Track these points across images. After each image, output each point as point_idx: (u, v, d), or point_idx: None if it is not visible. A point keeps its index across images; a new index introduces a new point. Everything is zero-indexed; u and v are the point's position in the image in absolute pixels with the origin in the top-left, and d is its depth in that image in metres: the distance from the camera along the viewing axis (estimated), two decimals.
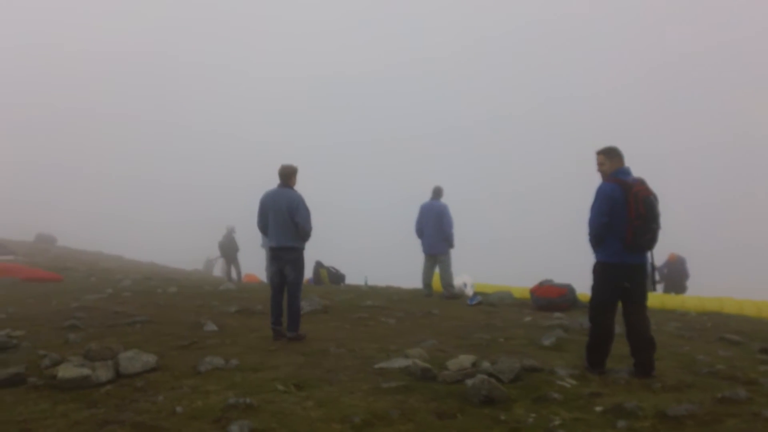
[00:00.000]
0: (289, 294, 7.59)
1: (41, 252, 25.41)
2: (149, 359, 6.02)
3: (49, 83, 72.18)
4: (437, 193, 12.42)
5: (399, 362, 5.88)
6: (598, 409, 4.46)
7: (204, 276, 24.70)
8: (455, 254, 12.39)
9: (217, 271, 26.74)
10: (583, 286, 7.25)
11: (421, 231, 12.31)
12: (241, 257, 20.16)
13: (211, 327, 8.23)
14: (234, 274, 19.90)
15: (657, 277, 15.59)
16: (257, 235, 16.61)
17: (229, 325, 8.59)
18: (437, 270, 12.37)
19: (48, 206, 48.37)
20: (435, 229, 12.10)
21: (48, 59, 75.35)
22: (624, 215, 5.37)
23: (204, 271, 28.18)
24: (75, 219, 44.50)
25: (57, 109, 69.79)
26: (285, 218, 7.46)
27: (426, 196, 12.51)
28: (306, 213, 7.51)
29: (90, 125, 71.05)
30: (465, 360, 5.56)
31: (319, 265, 16.05)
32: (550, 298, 10.37)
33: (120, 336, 7.69)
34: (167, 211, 56.84)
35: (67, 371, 5.49)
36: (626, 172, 5.58)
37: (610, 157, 5.68)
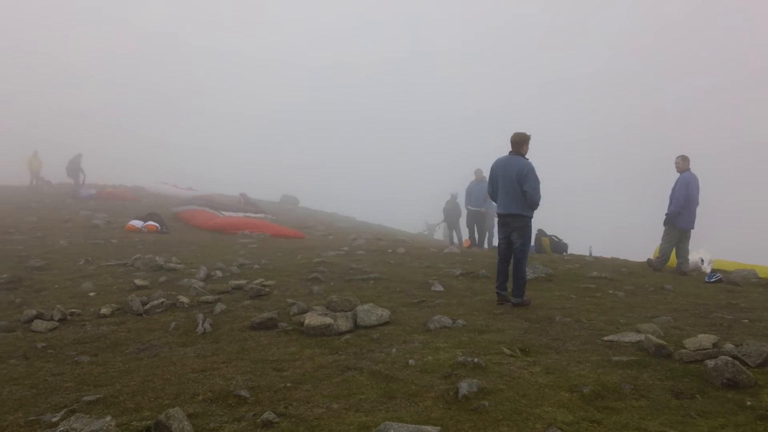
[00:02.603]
0: (515, 260, 7.61)
1: (286, 212, 28.27)
2: (383, 313, 6.52)
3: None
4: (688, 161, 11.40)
5: (630, 336, 5.65)
6: None
7: (427, 239, 25.63)
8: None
9: (439, 234, 27.68)
10: None
11: (685, 205, 11.14)
12: (462, 222, 20.52)
13: (437, 287, 8.62)
14: (455, 239, 20.36)
15: None
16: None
17: (455, 286, 8.91)
18: None
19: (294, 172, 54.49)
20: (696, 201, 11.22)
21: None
22: None
23: (427, 234, 29.33)
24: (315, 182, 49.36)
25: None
26: (514, 186, 7.43)
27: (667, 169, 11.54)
28: (535, 182, 7.36)
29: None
30: (705, 339, 5.15)
31: (541, 234, 15.73)
32: None
33: (356, 290, 8.41)
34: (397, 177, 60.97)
35: (313, 319, 6.18)
36: None
37: None
